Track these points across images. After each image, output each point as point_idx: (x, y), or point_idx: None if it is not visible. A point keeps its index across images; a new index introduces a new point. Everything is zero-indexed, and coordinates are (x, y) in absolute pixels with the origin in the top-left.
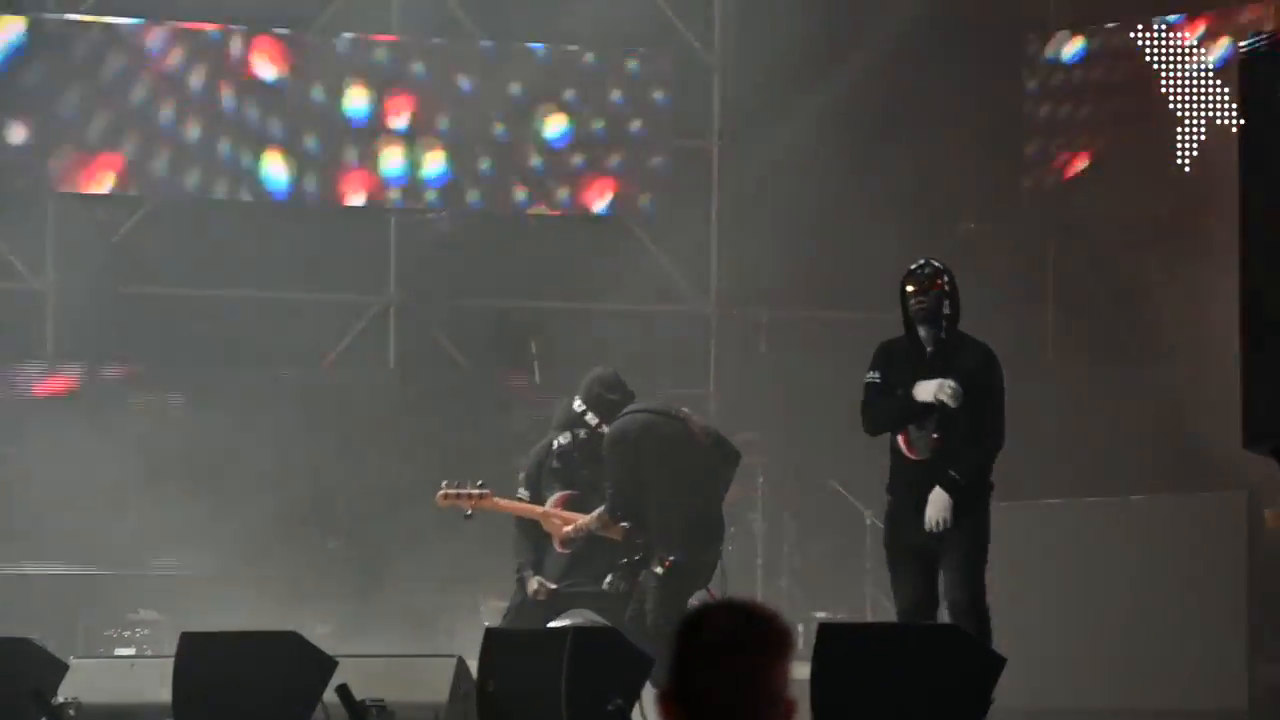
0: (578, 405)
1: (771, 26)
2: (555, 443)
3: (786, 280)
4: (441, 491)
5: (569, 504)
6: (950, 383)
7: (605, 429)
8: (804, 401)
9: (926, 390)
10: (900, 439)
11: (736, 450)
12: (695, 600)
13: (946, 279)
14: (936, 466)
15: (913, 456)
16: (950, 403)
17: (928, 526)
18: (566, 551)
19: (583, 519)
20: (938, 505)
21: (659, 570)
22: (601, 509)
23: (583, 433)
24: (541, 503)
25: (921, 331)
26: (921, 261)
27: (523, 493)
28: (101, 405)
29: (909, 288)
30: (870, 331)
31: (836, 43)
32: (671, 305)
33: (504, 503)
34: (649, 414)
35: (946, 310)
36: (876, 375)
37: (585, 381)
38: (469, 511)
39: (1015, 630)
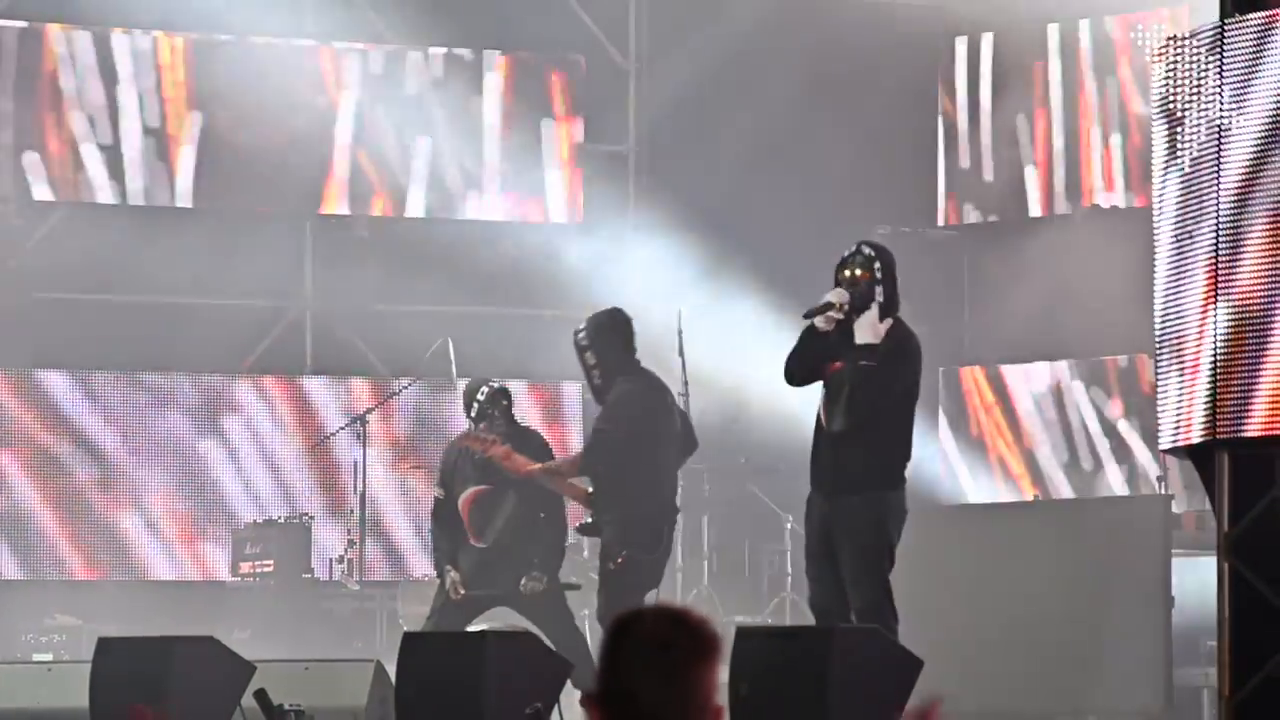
0: (582, 338)
1: (688, 35)
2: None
3: (705, 282)
4: (474, 436)
5: (481, 498)
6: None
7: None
8: (721, 405)
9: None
10: (821, 410)
11: (696, 441)
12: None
13: (879, 266)
14: (841, 440)
15: (828, 428)
16: (835, 305)
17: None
18: (483, 545)
19: (552, 462)
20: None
21: (611, 566)
22: (577, 454)
23: (497, 415)
24: (454, 500)
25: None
26: (854, 247)
27: (438, 489)
28: (17, 410)
29: (843, 273)
30: (788, 330)
31: (755, 51)
32: (591, 308)
33: (520, 459)
34: (657, 379)
35: (880, 299)
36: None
37: (596, 320)
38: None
39: (932, 632)
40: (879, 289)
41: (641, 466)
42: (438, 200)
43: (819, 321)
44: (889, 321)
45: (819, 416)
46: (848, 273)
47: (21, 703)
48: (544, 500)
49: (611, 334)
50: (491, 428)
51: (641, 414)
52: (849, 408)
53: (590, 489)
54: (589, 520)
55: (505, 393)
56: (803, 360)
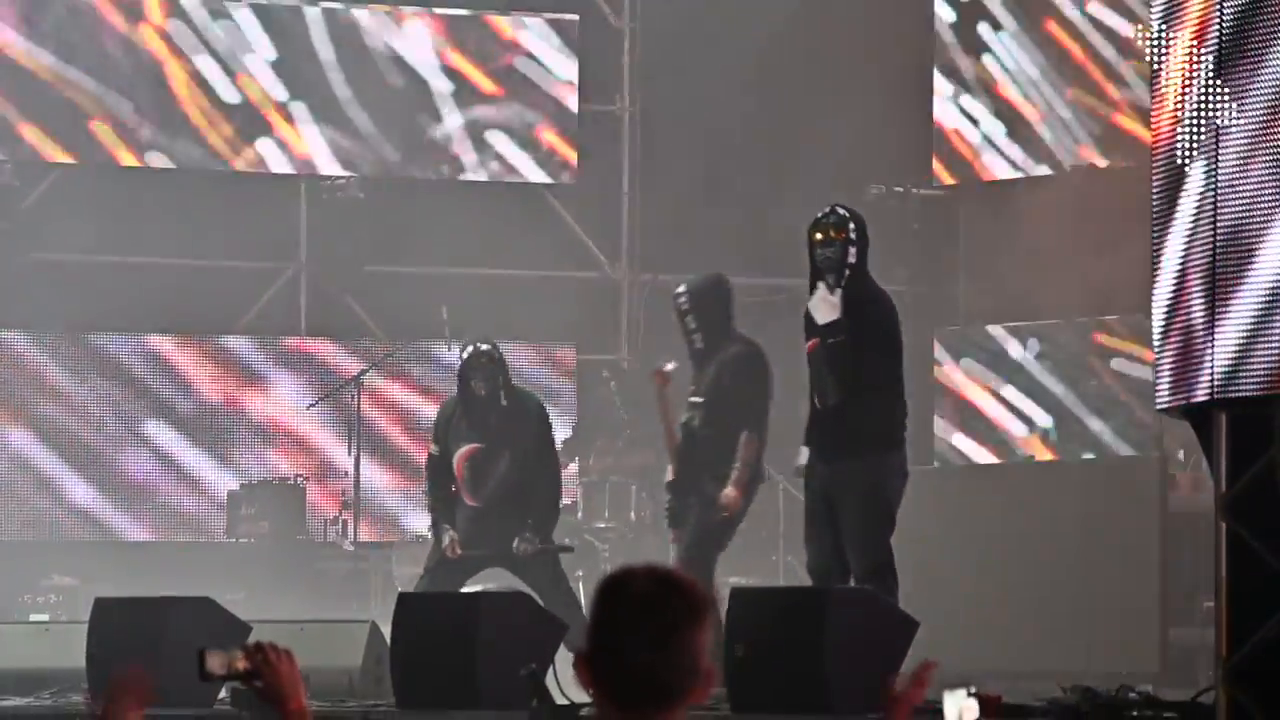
0: (683, 302)
1: None
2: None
3: (697, 246)
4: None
5: (475, 455)
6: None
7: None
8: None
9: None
10: (811, 386)
11: None
12: None
13: (854, 227)
14: (837, 412)
15: (820, 404)
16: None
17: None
18: (476, 505)
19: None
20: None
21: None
22: (750, 432)
23: (476, 378)
24: (449, 456)
25: (827, 280)
26: (828, 209)
27: (433, 447)
28: (13, 371)
29: (816, 235)
30: (778, 296)
31: (748, 10)
32: (583, 272)
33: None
34: (758, 345)
35: (851, 259)
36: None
37: (701, 284)
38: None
39: (929, 593)
40: (852, 250)
41: (765, 425)
42: (432, 161)
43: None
44: (839, 292)
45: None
46: (819, 234)
47: (19, 662)
48: (539, 461)
49: (715, 300)
50: (475, 388)
51: (767, 374)
52: (835, 385)
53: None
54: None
55: (489, 354)
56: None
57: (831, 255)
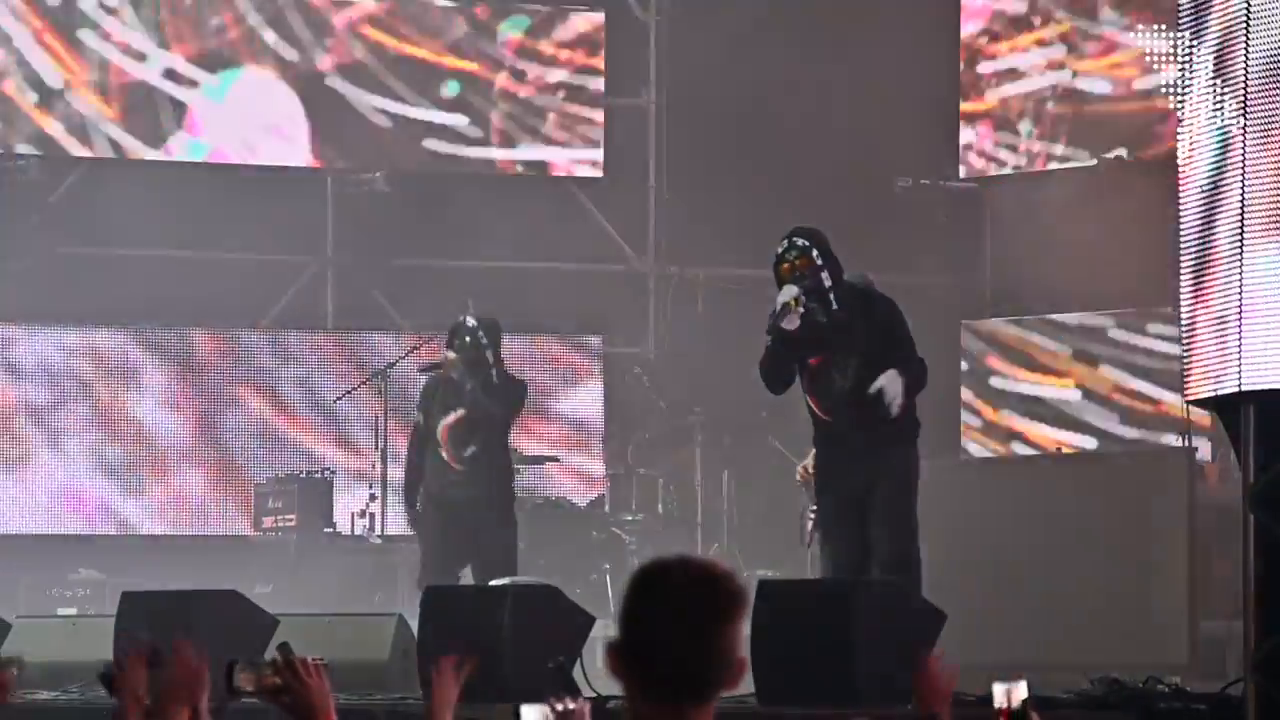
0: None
1: None
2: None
3: (723, 239)
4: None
5: (457, 424)
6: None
7: None
8: (741, 359)
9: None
10: (810, 402)
11: None
12: None
13: (816, 252)
14: (846, 416)
15: (825, 416)
16: (792, 302)
17: (880, 396)
18: (460, 467)
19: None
20: (887, 379)
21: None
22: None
23: (453, 353)
24: (434, 423)
25: (813, 306)
26: (785, 244)
27: (417, 415)
28: (39, 364)
29: (784, 268)
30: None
31: (775, 1)
32: (610, 264)
33: None
34: None
35: (828, 282)
36: (769, 339)
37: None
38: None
39: (954, 585)
40: (824, 274)
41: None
42: (458, 154)
43: (785, 324)
44: (834, 310)
45: (812, 407)
46: (786, 267)
47: (46, 656)
48: (501, 432)
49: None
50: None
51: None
52: (851, 390)
53: None
54: None
55: (471, 329)
56: (777, 370)
57: (810, 285)
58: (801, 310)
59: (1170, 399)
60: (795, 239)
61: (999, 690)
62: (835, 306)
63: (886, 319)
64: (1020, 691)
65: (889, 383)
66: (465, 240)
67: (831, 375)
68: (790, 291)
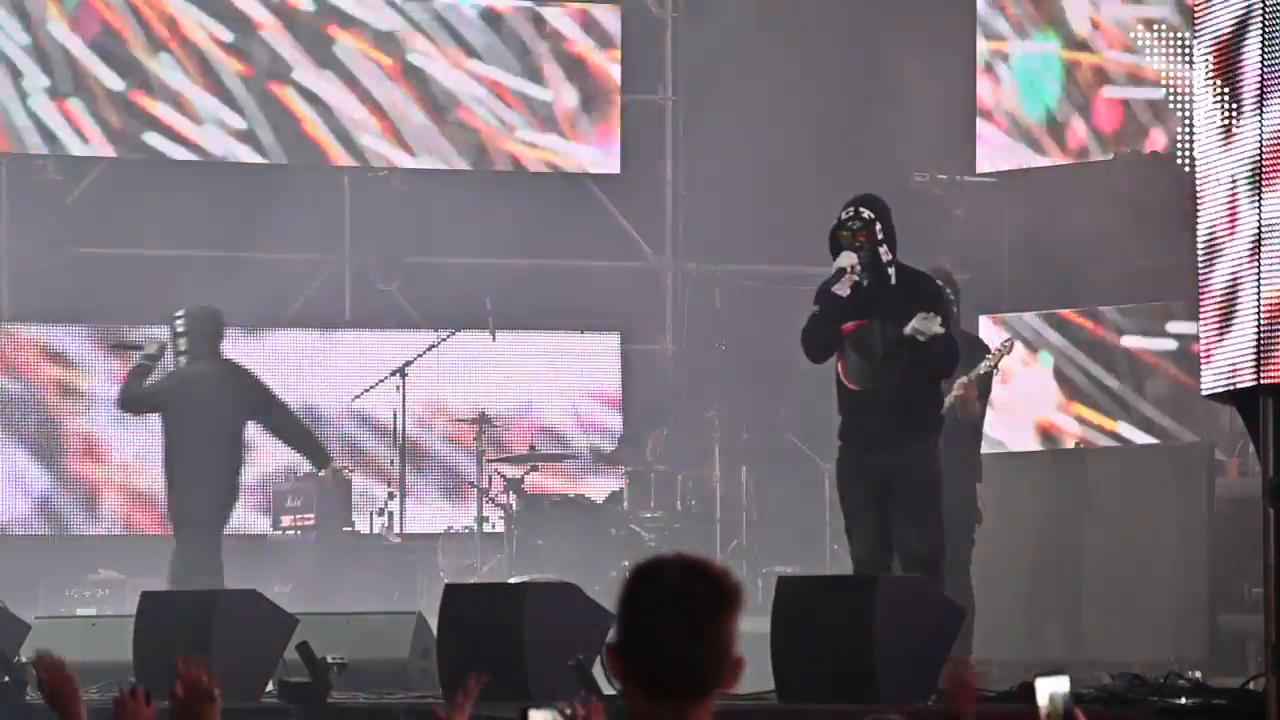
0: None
1: None
2: None
3: (741, 234)
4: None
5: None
6: (928, 315)
7: None
8: (760, 356)
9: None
10: (839, 368)
11: None
12: None
13: (879, 225)
14: (874, 394)
15: (852, 386)
16: (922, 332)
17: (910, 330)
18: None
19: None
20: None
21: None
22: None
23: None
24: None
25: (866, 281)
26: (850, 213)
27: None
28: (58, 364)
29: (843, 234)
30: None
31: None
32: (628, 261)
33: None
34: None
35: (886, 257)
36: (817, 308)
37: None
38: None
39: (976, 581)
40: (883, 249)
41: None
42: (474, 151)
43: (838, 289)
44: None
45: (840, 377)
46: (847, 234)
47: (67, 656)
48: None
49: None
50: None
51: None
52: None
53: None
54: None
55: (193, 318)
56: (821, 337)
57: (868, 259)
58: (855, 279)
59: (1189, 394)
60: (861, 210)
61: (1041, 686)
62: (893, 282)
63: (931, 298)
64: (1062, 685)
65: (922, 322)
66: (482, 237)
67: (868, 338)
68: (849, 259)
